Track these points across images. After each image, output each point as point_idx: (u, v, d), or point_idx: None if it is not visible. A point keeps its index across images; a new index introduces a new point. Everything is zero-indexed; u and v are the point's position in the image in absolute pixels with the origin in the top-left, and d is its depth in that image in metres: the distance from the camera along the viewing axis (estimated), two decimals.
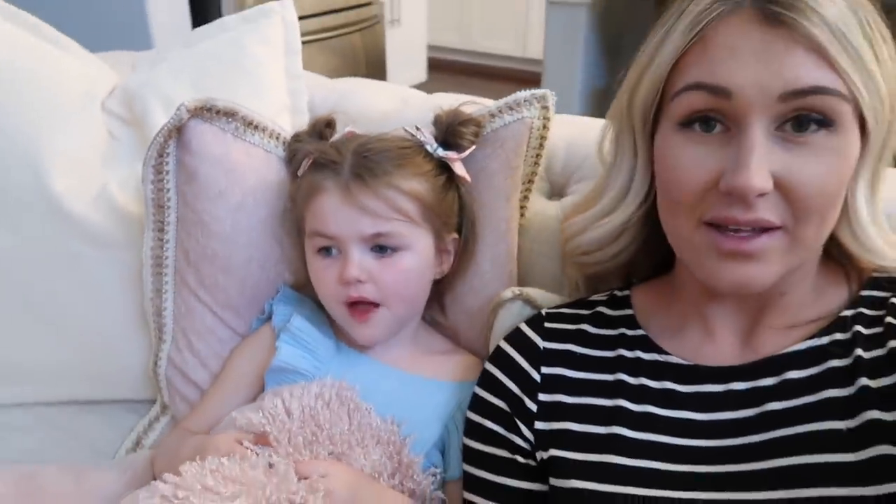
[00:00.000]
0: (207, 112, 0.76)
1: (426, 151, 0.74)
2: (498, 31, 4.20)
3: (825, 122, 0.51)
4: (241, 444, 0.64)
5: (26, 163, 0.86)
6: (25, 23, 0.93)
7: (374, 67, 3.04)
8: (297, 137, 0.80)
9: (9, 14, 0.92)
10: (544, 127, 0.80)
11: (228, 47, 0.97)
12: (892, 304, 0.56)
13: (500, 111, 0.78)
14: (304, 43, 2.76)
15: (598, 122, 0.92)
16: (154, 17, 2.05)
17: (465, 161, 0.77)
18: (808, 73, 0.49)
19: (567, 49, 1.96)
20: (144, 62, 1.04)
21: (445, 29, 4.30)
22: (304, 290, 0.81)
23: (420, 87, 3.61)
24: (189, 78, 0.95)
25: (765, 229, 0.52)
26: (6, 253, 0.87)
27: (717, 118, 0.53)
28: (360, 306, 0.72)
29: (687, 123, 0.54)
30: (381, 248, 0.72)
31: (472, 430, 0.67)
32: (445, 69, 4.27)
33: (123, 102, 0.95)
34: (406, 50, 3.68)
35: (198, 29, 1.05)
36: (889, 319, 0.55)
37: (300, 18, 2.79)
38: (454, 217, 0.77)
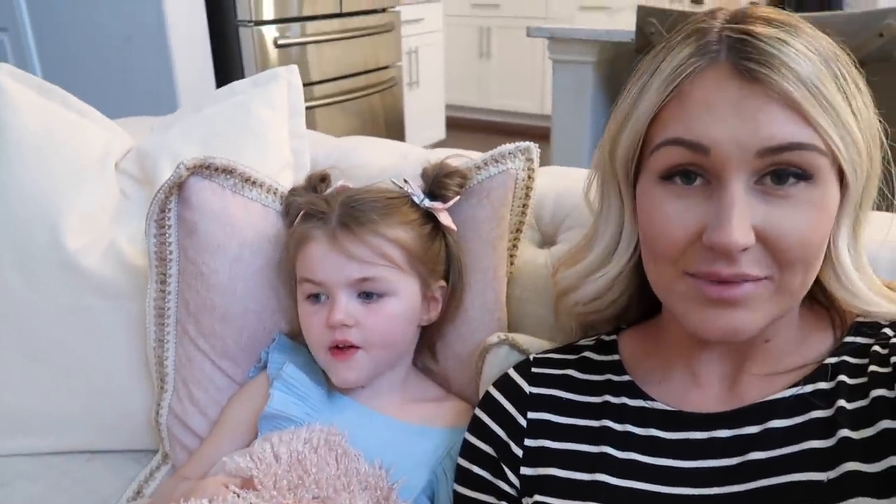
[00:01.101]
0: (206, 169, 0.80)
1: (412, 201, 0.78)
2: (515, 90, 4.31)
3: (803, 175, 0.51)
4: (227, 487, 0.65)
5: (45, 222, 0.91)
6: (54, 95, 1.01)
7: (394, 128, 3.13)
8: (293, 192, 0.84)
9: (41, 88, 1.00)
10: (529, 178, 0.82)
11: (237, 110, 1.03)
12: (875, 351, 0.56)
13: (485, 163, 0.81)
14: (324, 105, 2.84)
15: (586, 173, 0.94)
16: (180, 82, 2.17)
17: (453, 211, 0.80)
18: (784, 129, 0.50)
19: (574, 106, 2.01)
20: (161, 126, 1.10)
21: (463, 89, 4.43)
22: (299, 339, 0.84)
23: (439, 145, 3.70)
24: (199, 139, 1.01)
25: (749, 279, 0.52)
26: (22, 305, 0.91)
27: (697, 172, 0.53)
28: (340, 348, 0.74)
29: (668, 177, 0.54)
30: (367, 294, 0.74)
31: (460, 475, 0.68)
32: (464, 127, 4.37)
33: (136, 163, 1.01)
34: (425, 110, 3.79)
35: (210, 93, 1.12)
36: (872, 368, 0.55)
37: (321, 82, 2.89)
38: (441, 265, 0.79)
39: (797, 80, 0.50)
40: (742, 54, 0.51)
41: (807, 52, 0.51)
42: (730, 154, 0.51)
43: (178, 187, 0.80)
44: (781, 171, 0.51)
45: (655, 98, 0.55)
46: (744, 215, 0.50)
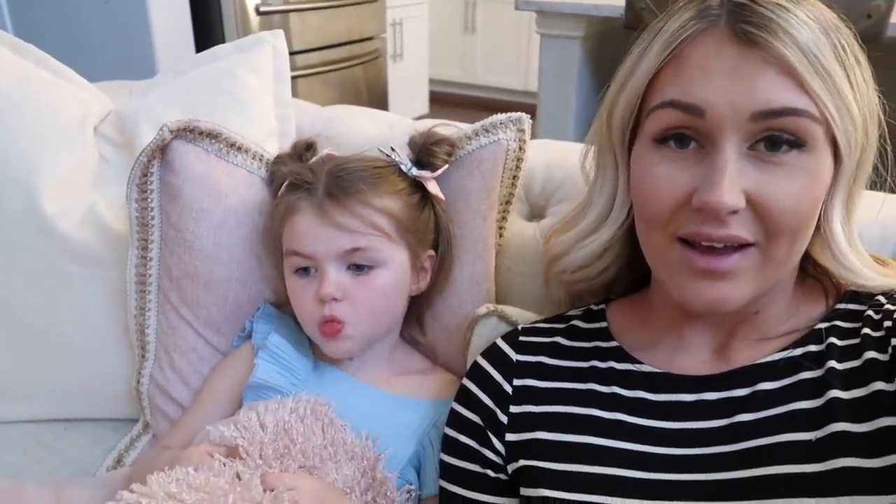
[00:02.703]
0: (190, 133, 0.78)
1: (400, 170, 0.76)
2: (499, 65, 4.27)
3: (797, 142, 0.51)
4: (212, 456, 0.64)
5: (21, 185, 0.88)
6: (28, 53, 0.97)
7: (376, 100, 3.10)
8: (278, 159, 0.82)
9: (14, 46, 0.96)
10: (520, 149, 0.81)
11: (220, 74, 1.00)
12: (869, 316, 0.56)
13: (476, 133, 0.80)
14: (306, 76, 2.80)
15: (576, 146, 0.93)
16: (159, 47, 2.12)
17: (442, 181, 0.79)
18: (780, 94, 0.50)
19: (561, 81, 2.00)
20: (141, 89, 1.07)
21: (447, 63, 4.38)
22: (284, 308, 0.83)
23: (422, 119, 3.66)
24: (180, 103, 0.98)
25: (737, 247, 0.52)
26: None
27: (691, 135, 0.53)
28: (331, 323, 0.73)
29: (662, 140, 0.55)
30: (357, 266, 0.73)
31: (447, 445, 0.68)
32: (447, 102, 4.33)
33: (116, 127, 0.98)
34: (408, 83, 3.74)
35: (191, 57, 1.08)
36: (865, 331, 0.55)
37: (303, 52, 2.86)
38: (430, 234, 0.78)
39: (795, 46, 0.50)
40: (741, 18, 0.51)
41: (807, 19, 0.51)
42: (724, 117, 0.51)
43: (161, 150, 0.78)
44: (775, 137, 0.51)
45: (654, 60, 0.55)
46: (734, 178, 0.50)
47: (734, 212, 0.51)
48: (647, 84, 0.56)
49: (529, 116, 0.82)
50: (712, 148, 0.52)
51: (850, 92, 0.52)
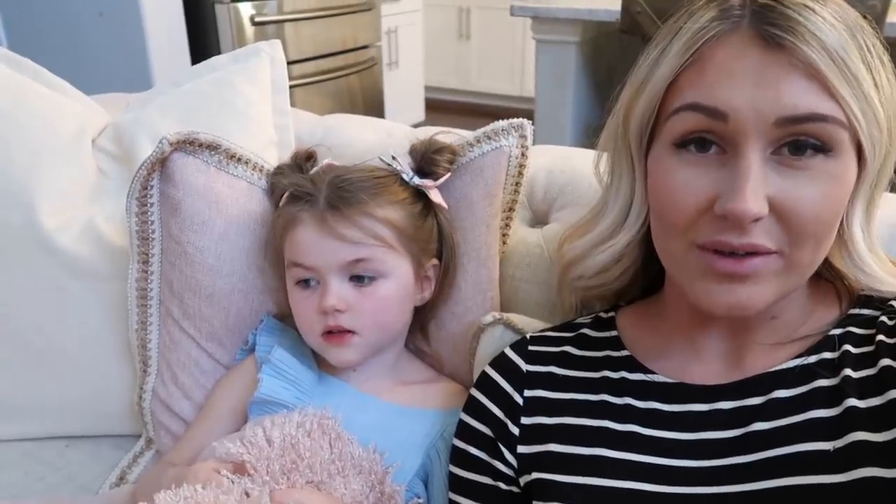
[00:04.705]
0: (190, 145, 0.77)
1: (402, 179, 0.76)
2: (494, 72, 4.28)
3: (822, 147, 0.50)
4: (219, 472, 0.63)
5: (19, 200, 0.88)
6: (24, 67, 0.97)
7: (372, 108, 3.10)
8: (278, 170, 0.82)
9: (9, 60, 0.96)
10: (523, 155, 0.81)
11: (217, 85, 1.00)
12: (883, 322, 0.55)
13: (478, 140, 0.79)
14: (302, 85, 2.81)
15: (578, 151, 0.93)
16: (155, 59, 2.11)
17: (445, 189, 0.79)
18: (806, 99, 0.48)
19: (558, 87, 2.00)
20: (139, 102, 1.06)
21: (443, 70, 4.39)
22: (287, 320, 0.82)
23: (418, 126, 3.65)
24: (178, 115, 0.97)
25: (759, 252, 0.51)
26: None
27: (712, 140, 0.51)
28: (335, 332, 0.72)
29: (682, 144, 0.53)
30: (359, 277, 0.72)
31: (456, 456, 0.67)
32: (443, 109, 4.34)
33: (114, 140, 0.98)
34: (404, 91, 3.75)
35: (189, 69, 1.08)
36: (880, 338, 0.54)
37: (298, 62, 2.86)
38: (433, 243, 0.78)
39: (822, 49, 0.48)
40: (766, 20, 0.50)
41: (834, 21, 0.49)
42: (748, 122, 0.49)
43: (160, 163, 0.77)
44: (800, 142, 0.50)
45: (675, 62, 0.53)
46: (758, 185, 0.49)
47: (757, 219, 0.50)
48: (667, 87, 0.54)
49: (531, 123, 0.82)
50: (735, 153, 0.51)
51: (875, 95, 0.51)
